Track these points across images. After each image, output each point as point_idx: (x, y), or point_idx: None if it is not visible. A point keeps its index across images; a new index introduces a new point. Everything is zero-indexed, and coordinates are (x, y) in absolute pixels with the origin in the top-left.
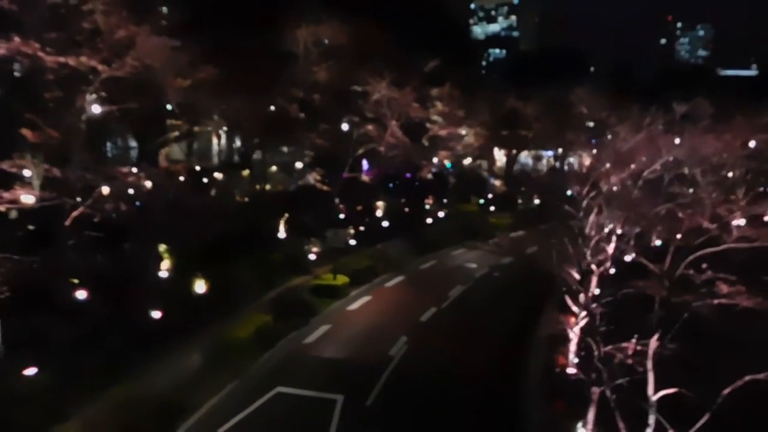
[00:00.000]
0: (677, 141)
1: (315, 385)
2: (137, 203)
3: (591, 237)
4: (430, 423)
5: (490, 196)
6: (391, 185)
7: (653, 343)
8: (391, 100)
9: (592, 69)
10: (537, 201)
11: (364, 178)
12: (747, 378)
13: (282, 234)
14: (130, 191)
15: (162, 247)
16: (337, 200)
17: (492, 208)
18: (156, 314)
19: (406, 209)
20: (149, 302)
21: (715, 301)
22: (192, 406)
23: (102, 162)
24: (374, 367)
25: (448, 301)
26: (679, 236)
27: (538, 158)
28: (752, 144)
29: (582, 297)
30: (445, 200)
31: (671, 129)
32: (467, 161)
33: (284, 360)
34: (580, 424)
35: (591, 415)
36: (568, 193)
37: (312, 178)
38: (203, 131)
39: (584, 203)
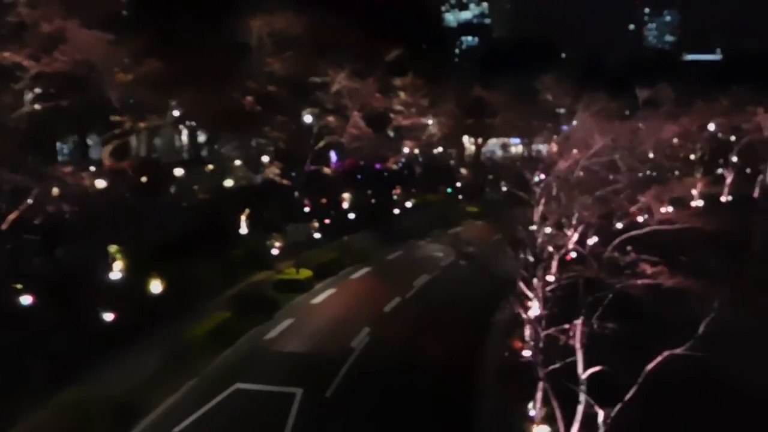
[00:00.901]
0: (641, 125)
1: (275, 380)
2: (81, 204)
3: (541, 223)
4: (389, 412)
5: (458, 185)
6: (359, 177)
7: (579, 325)
8: (352, 90)
9: (563, 56)
10: (504, 189)
11: (327, 170)
12: (666, 353)
13: (244, 230)
14: (74, 191)
15: (113, 248)
16: (297, 194)
17: (460, 197)
18: (108, 316)
19: (373, 200)
20: (100, 304)
21: (639, 282)
22: (147, 407)
23: (51, 162)
24: (335, 359)
25: (413, 290)
26: (618, 222)
27: (506, 146)
28: (711, 127)
29: (535, 282)
30: (413, 190)
31: (633, 114)
32: (437, 150)
33: (245, 356)
34: (530, 405)
35: (539, 395)
36: (536, 179)
37: (270, 172)
38: (165, 126)
39: (537, 190)
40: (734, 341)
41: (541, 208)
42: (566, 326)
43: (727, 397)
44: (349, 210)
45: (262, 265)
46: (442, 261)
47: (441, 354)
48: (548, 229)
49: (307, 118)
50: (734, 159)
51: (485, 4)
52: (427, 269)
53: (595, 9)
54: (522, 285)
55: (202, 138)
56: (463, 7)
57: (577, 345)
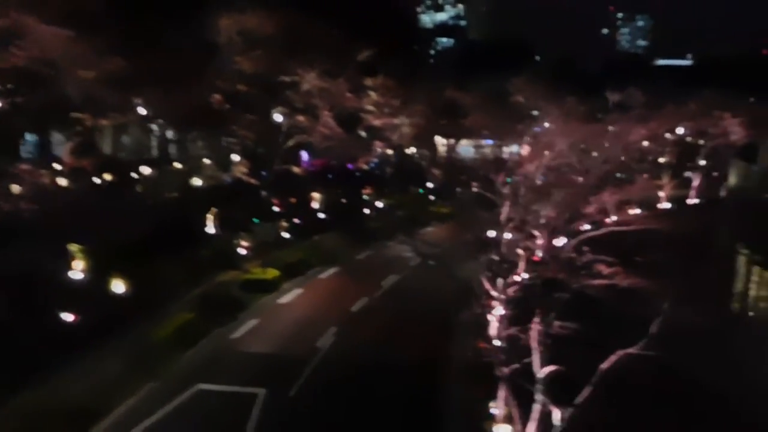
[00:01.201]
0: (610, 128)
1: (237, 381)
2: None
3: (506, 225)
4: (353, 412)
5: (429, 185)
6: (330, 176)
7: (535, 325)
8: (323, 90)
9: (537, 58)
10: (475, 190)
11: (296, 170)
12: (620, 353)
13: (211, 229)
14: (34, 189)
15: (74, 247)
16: (264, 193)
17: (431, 198)
18: (68, 317)
19: (344, 200)
20: (60, 304)
21: (596, 282)
22: (105, 410)
23: (13, 160)
24: (300, 359)
25: (380, 290)
26: (585, 224)
27: (479, 147)
28: (680, 131)
29: (500, 282)
30: (385, 190)
31: (604, 117)
32: (411, 150)
33: (208, 357)
34: (493, 404)
35: (501, 394)
36: (508, 180)
37: (238, 171)
38: (134, 125)
39: (504, 191)
40: (688, 338)
41: (506, 209)
42: (528, 326)
43: (683, 393)
44: (320, 210)
45: (228, 265)
46: (411, 261)
47: (407, 354)
48: (509, 232)
49: (277, 117)
50: (702, 162)
51: (461, 6)
52: (395, 269)
53: (570, 13)
54: (487, 285)
55: (171, 136)
56: (439, 8)
57: (534, 344)
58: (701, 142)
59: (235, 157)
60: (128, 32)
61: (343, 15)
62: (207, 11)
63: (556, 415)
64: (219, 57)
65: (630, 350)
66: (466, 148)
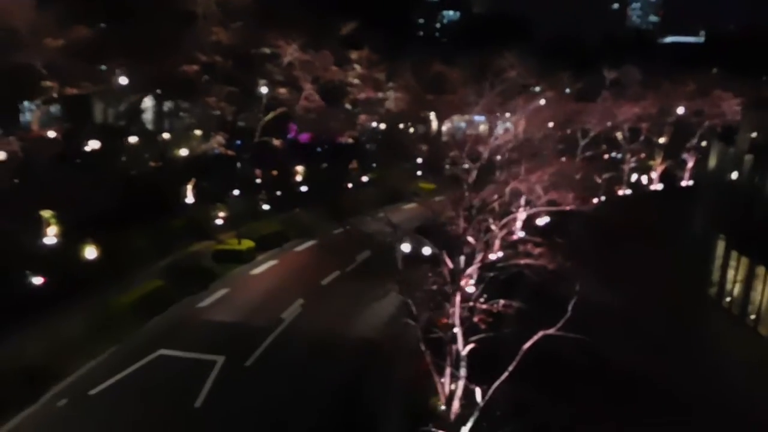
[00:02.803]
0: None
1: (199, 348)
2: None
3: (473, 206)
4: (306, 381)
5: (418, 161)
6: (318, 150)
7: (457, 305)
8: (305, 63)
9: (541, 33)
10: (465, 166)
11: (276, 142)
12: (540, 333)
13: (189, 199)
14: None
15: (47, 213)
16: (241, 165)
17: (418, 173)
18: (37, 280)
19: (327, 174)
20: (29, 268)
21: (522, 261)
22: (64, 371)
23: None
24: (263, 329)
25: (354, 264)
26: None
27: (471, 123)
28: (680, 111)
29: (462, 260)
30: (374, 165)
31: (597, 95)
32: (401, 126)
33: (174, 324)
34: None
35: (447, 370)
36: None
37: (216, 142)
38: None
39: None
40: (605, 319)
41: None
42: (482, 304)
43: (599, 372)
44: (302, 183)
45: (203, 235)
46: (388, 237)
47: (366, 327)
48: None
49: (258, 90)
50: (703, 143)
51: None
52: (371, 244)
53: None
54: (448, 262)
55: (166, 108)
56: None
57: (456, 321)
58: (705, 122)
59: (236, 128)
60: (100, 1)
61: None
62: None
63: (477, 393)
64: (196, 28)
65: (550, 331)
66: (458, 124)
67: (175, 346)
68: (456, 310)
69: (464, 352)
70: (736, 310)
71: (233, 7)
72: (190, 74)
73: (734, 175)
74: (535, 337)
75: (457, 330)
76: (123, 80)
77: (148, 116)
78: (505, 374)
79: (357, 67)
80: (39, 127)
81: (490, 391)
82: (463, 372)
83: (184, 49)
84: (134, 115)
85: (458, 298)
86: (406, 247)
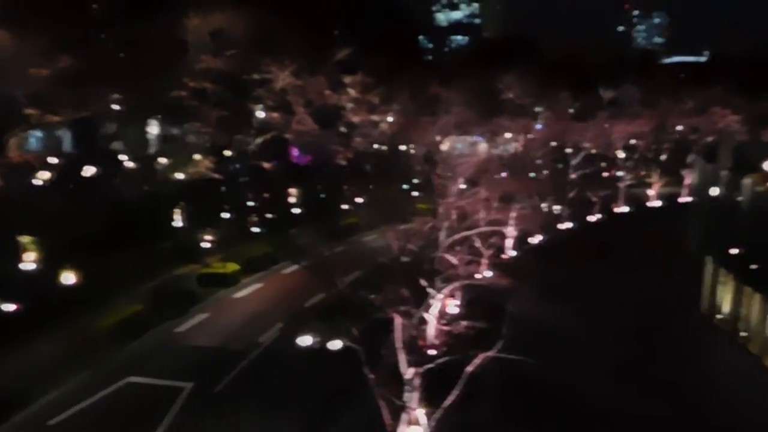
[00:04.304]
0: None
1: (168, 374)
2: None
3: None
4: (274, 407)
5: (415, 181)
6: (315, 171)
7: (398, 323)
8: (297, 87)
9: (555, 55)
10: (463, 186)
11: (266, 165)
12: (482, 356)
13: (178, 223)
14: None
15: (26, 239)
16: (237, 188)
17: (415, 194)
18: (9, 307)
19: (323, 195)
20: (2, 294)
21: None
22: (28, 399)
23: None
24: (238, 354)
25: (339, 287)
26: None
27: (472, 143)
28: (680, 128)
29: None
30: (369, 186)
31: (595, 114)
32: (403, 147)
33: (148, 349)
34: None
35: (415, 395)
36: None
37: (203, 166)
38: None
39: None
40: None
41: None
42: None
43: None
44: (295, 205)
45: (190, 259)
46: (379, 257)
47: (340, 349)
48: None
49: (250, 114)
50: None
51: (476, 5)
52: (361, 266)
53: (585, 11)
54: (424, 284)
55: (174, 131)
56: (454, 7)
57: (398, 344)
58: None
59: (227, 153)
60: (87, 30)
61: (323, 14)
62: (177, 11)
63: (422, 417)
64: (188, 55)
65: (489, 353)
66: (458, 144)
67: (146, 372)
68: (398, 330)
69: (408, 375)
70: (728, 327)
71: (227, 35)
72: (180, 100)
73: (715, 191)
74: (477, 360)
75: (400, 354)
76: (114, 107)
77: (147, 141)
78: (450, 398)
79: (351, 91)
80: (19, 153)
81: (437, 414)
82: (408, 396)
83: (174, 75)
84: (132, 140)
85: (399, 320)
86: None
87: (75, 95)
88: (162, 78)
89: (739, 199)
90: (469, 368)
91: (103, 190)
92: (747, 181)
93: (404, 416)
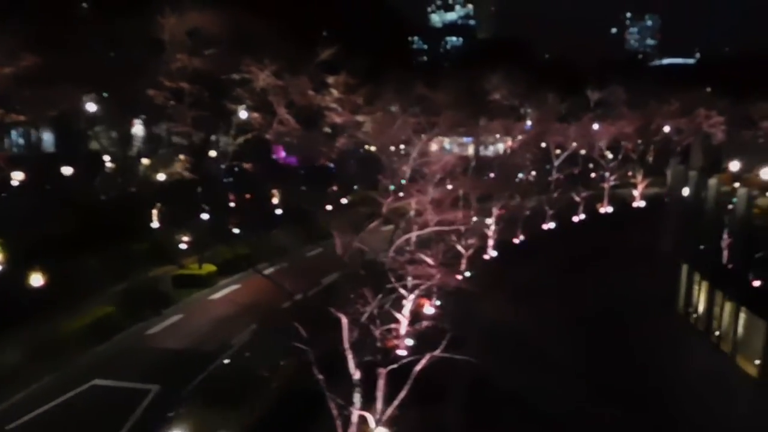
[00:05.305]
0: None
1: (136, 377)
2: None
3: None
4: (239, 411)
5: (402, 182)
6: (302, 172)
7: (344, 324)
8: (278, 88)
9: (546, 56)
10: (449, 187)
11: (247, 165)
12: (428, 355)
13: (155, 224)
14: None
15: None
16: (199, 189)
17: (401, 195)
18: None
19: (306, 196)
20: None
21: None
22: None
23: None
24: (208, 356)
25: (317, 288)
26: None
27: (460, 145)
28: (666, 129)
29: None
30: (354, 187)
31: (582, 115)
32: (392, 148)
33: (118, 352)
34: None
35: (379, 395)
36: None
37: (180, 166)
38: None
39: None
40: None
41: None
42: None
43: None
44: (277, 206)
45: (166, 260)
46: (360, 258)
47: (315, 352)
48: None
49: (230, 114)
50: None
51: (470, 6)
52: (341, 267)
53: (579, 13)
54: (396, 285)
55: (142, 131)
56: (449, 8)
57: (346, 345)
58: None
59: (207, 153)
60: (58, 29)
61: (306, 13)
62: (153, 10)
63: (369, 419)
64: (165, 54)
65: (436, 353)
66: (448, 145)
67: (112, 375)
68: (345, 331)
69: (356, 376)
70: (702, 327)
71: (204, 34)
72: (157, 99)
73: (686, 192)
74: (423, 360)
75: (349, 355)
76: (90, 106)
77: (130, 141)
78: (397, 400)
79: (334, 91)
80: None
81: (384, 416)
82: (357, 398)
83: (151, 75)
84: (115, 140)
85: (345, 320)
86: None
87: (43, 95)
88: (138, 77)
89: (705, 199)
90: (417, 368)
91: (81, 191)
92: (713, 182)
93: (354, 418)
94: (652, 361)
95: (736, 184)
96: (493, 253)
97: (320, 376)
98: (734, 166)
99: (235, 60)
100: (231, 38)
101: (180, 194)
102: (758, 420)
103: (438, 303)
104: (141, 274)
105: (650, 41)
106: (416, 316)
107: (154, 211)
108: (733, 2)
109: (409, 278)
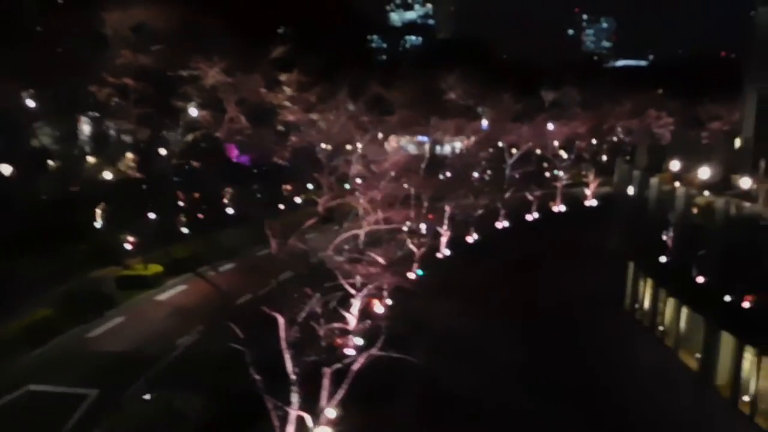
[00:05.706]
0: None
1: (73, 381)
2: None
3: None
4: (180, 414)
5: (358, 181)
6: (255, 171)
7: (281, 322)
8: (228, 85)
9: (504, 57)
10: (405, 185)
11: (195, 164)
12: (366, 354)
13: (99, 224)
14: None
15: None
16: (144, 187)
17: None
18: None
19: (259, 195)
20: None
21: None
22: None
23: None
24: (151, 358)
25: (268, 287)
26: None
27: (419, 144)
28: (619, 129)
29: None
30: (310, 186)
31: (536, 116)
32: (348, 147)
33: (55, 356)
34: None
35: (324, 395)
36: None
37: (126, 164)
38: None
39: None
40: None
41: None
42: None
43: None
44: (229, 204)
45: (110, 261)
46: (312, 257)
47: (262, 352)
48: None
49: (191, 112)
50: None
51: (430, 6)
52: (293, 266)
53: (537, 14)
54: (344, 283)
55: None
56: (408, 7)
57: (284, 344)
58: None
59: (163, 151)
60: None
61: (258, 10)
62: (95, 4)
63: (307, 419)
64: (108, 50)
65: (372, 351)
66: (405, 144)
67: (48, 380)
68: (282, 329)
69: (293, 375)
70: (647, 323)
71: (150, 30)
72: (100, 96)
73: (631, 191)
74: (361, 360)
75: (287, 354)
76: (29, 103)
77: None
78: (336, 398)
79: (287, 89)
80: None
81: (321, 415)
82: (294, 398)
83: (93, 71)
84: (59, 138)
85: (282, 320)
86: None
87: None
88: (80, 73)
89: (648, 198)
90: (355, 367)
91: (21, 190)
92: (654, 181)
93: (290, 417)
94: (599, 356)
95: (677, 184)
96: (447, 252)
97: (257, 377)
98: (675, 165)
99: (184, 56)
100: (179, 34)
101: (127, 193)
102: (698, 411)
103: (389, 302)
104: (83, 276)
105: (606, 43)
106: (367, 315)
107: (98, 211)
108: (687, 6)
109: (358, 277)
